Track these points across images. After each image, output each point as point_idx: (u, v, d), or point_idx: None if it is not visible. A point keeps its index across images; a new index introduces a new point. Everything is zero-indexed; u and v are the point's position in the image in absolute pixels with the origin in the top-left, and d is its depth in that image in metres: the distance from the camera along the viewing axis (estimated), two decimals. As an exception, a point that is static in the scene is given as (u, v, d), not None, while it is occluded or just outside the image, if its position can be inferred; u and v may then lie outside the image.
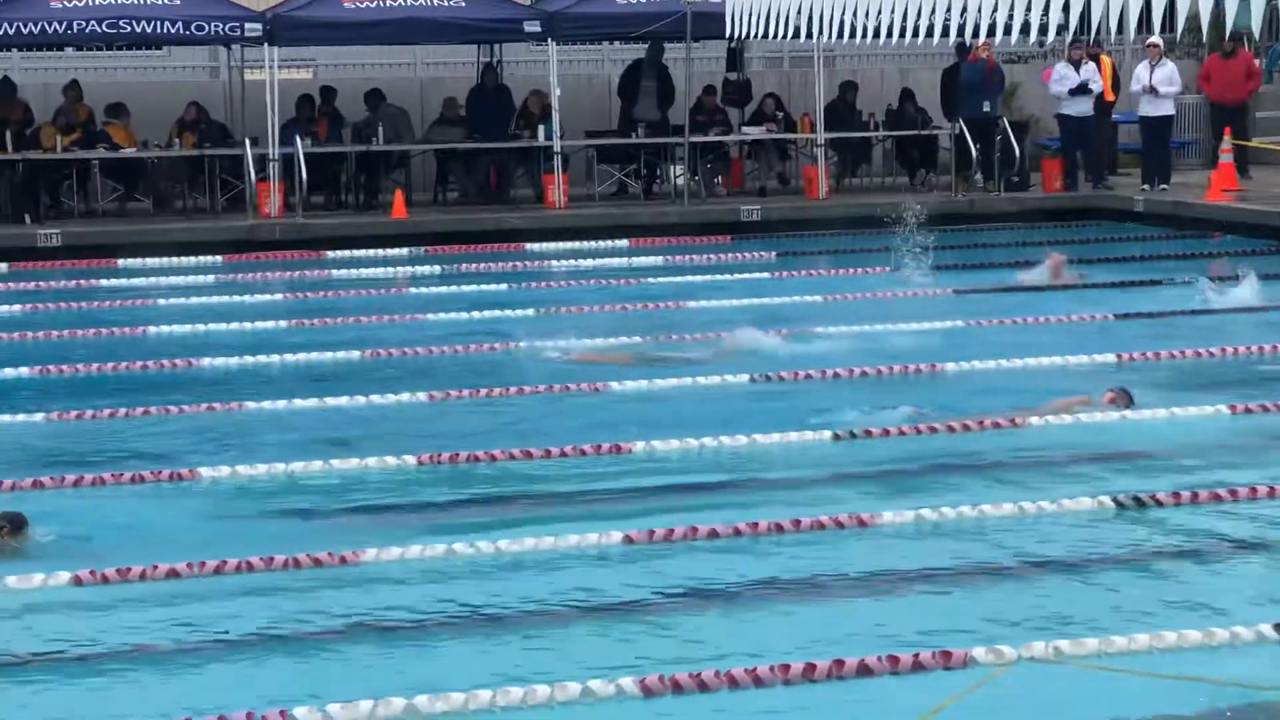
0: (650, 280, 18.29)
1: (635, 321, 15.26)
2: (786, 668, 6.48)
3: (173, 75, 26.73)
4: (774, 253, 20.17)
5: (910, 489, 9.45)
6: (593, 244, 20.88)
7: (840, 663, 6.51)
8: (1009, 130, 23.37)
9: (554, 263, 20.10)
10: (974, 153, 23.21)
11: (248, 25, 22.08)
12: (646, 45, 24.35)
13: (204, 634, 7.21)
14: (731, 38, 21.72)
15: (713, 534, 8.46)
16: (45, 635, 7.23)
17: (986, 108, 23.17)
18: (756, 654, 6.70)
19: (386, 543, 8.28)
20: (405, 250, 20.49)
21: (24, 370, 13.14)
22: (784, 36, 17.27)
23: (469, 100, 24.25)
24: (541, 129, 23.16)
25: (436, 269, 19.48)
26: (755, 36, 18.29)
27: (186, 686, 6.64)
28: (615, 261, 20.01)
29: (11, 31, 21.61)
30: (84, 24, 21.64)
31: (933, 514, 8.75)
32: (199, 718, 6.08)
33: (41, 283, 18.49)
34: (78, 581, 7.77)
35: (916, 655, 6.60)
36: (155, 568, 7.89)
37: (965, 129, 23.11)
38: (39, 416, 11.39)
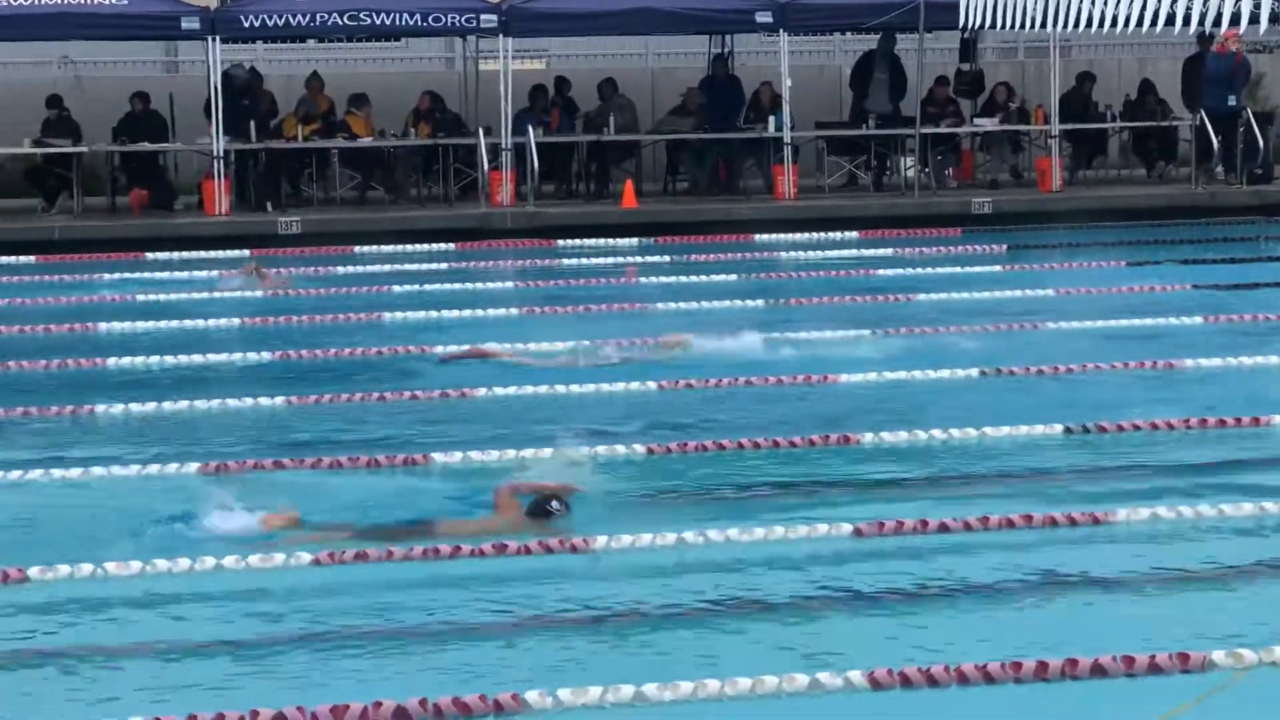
0: (879, 272, 18.16)
1: (864, 313, 15.17)
2: (1018, 665, 6.38)
3: (410, 66, 27.18)
4: (1005, 246, 19.89)
5: (1145, 487, 9.26)
6: (822, 235, 20.79)
7: (1074, 662, 6.40)
8: (1253, 121, 22.76)
9: (783, 254, 20.06)
10: (1215, 145, 22.65)
11: (483, 17, 22.38)
12: (878, 36, 24.17)
13: (452, 616, 7.33)
14: (965, 28, 21.47)
15: (943, 528, 8.37)
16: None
17: (1232, 101, 22.59)
18: (986, 651, 6.62)
19: (617, 530, 8.33)
20: (634, 240, 20.60)
21: (265, 354, 13.46)
22: (1019, 26, 17.03)
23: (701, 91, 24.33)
24: (772, 120, 23.12)
25: (665, 259, 19.56)
26: (989, 26, 18.07)
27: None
28: (844, 253, 19.91)
29: (257, 24, 22.16)
30: (326, 17, 22.12)
31: (1169, 513, 8.56)
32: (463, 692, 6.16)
33: (281, 269, 18.92)
34: (316, 563, 7.93)
35: (1153, 657, 6.45)
36: (412, 550, 8.03)
37: (1207, 120, 22.55)
38: (279, 400, 11.65)
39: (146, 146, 22.95)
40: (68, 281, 18.08)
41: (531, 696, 6.15)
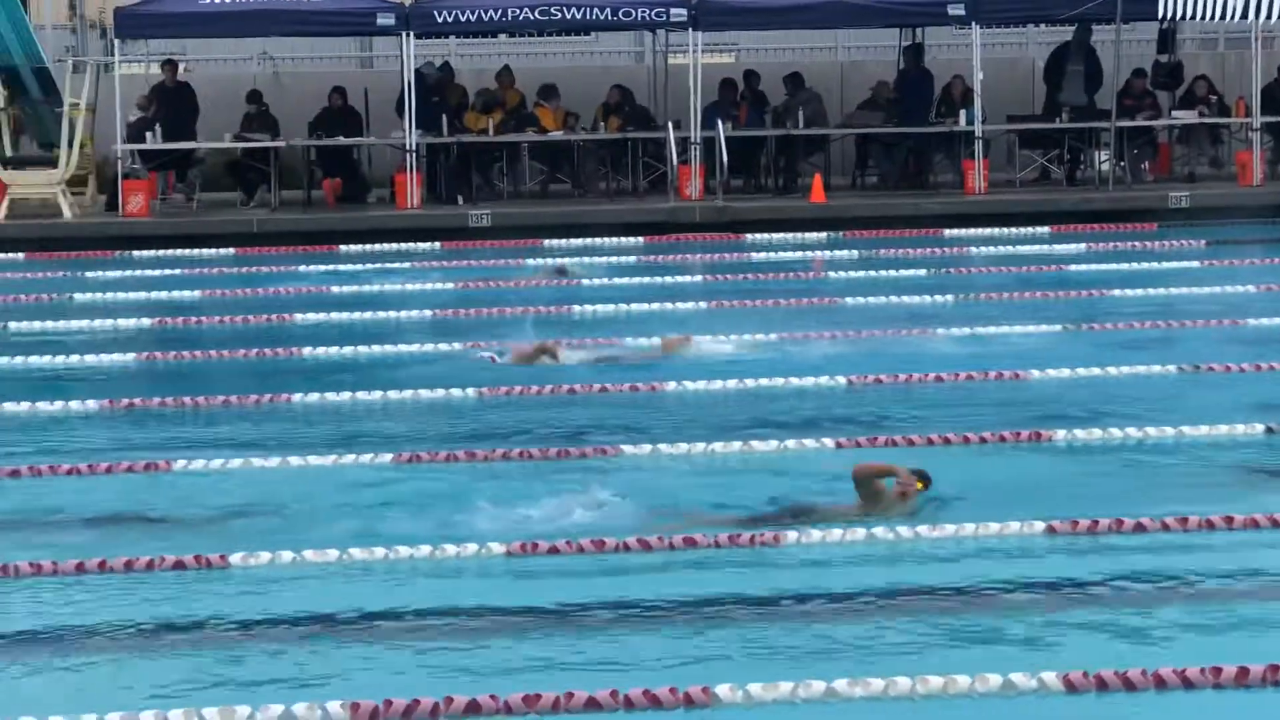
0: (1072, 268, 17.91)
1: (1056, 309, 14.96)
2: (1218, 670, 6.25)
3: (600, 60, 27.31)
4: (1203, 241, 19.49)
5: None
6: (1013, 230, 20.54)
7: (1276, 668, 6.25)
8: None
9: (973, 249, 19.85)
10: None
11: (673, 11, 22.42)
12: (1073, 28, 23.79)
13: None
14: (1164, 19, 21.09)
15: (1139, 528, 8.22)
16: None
17: None
18: (1176, 654, 6.49)
19: (807, 526, 8.30)
20: (823, 234, 20.52)
21: (456, 345, 13.62)
22: (1219, 17, 16.70)
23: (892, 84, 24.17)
24: (963, 114, 22.88)
25: (854, 253, 19.46)
26: (1188, 17, 17.73)
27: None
28: (1036, 249, 19.65)
29: (450, 20, 22.42)
30: (518, 11, 22.31)
31: (1375, 516, 8.34)
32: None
33: (472, 261, 19.13)
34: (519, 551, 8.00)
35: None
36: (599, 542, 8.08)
37: None
38: (471, 391, 11.76)
39: (342, 141, 23.33)
40: (265, 273, 18.44)
41: (722, 690, 6.15)
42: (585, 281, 17.40)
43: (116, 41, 23.03)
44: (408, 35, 22.22)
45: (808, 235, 20.48)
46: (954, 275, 17.56)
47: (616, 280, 17.46)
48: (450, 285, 17.26)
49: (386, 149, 23.80)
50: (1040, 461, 9.86)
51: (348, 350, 13.41)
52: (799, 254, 19.53)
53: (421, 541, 8.01)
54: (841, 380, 11.93)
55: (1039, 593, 7.49)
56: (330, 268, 18.88)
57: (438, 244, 20.48)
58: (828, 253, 19.66)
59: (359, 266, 19.04)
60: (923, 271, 17.72)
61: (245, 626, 7.13)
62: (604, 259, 19.16)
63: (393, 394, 11.64)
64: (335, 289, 17.03)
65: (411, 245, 20.27)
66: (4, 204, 21.67)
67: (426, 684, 6.29)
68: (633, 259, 19.35)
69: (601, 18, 22.57)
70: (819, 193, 22.13)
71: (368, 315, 15.28)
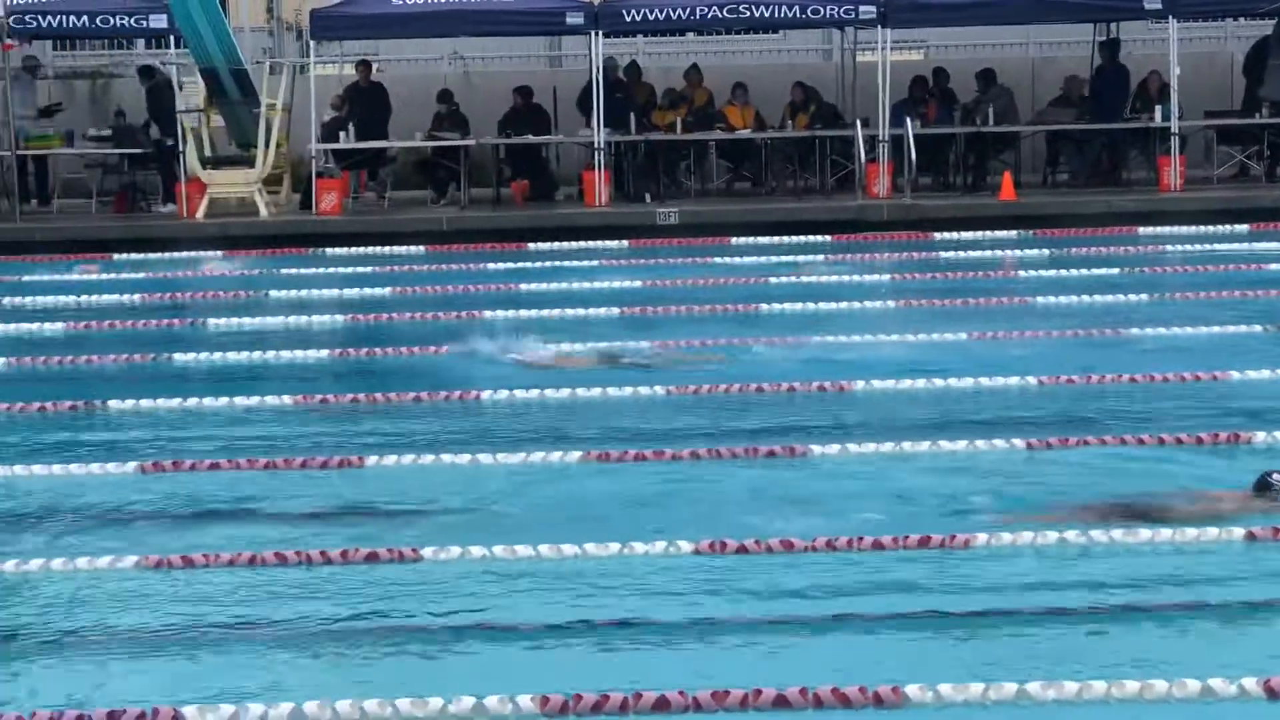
0: (1272, 267, 17.49)
1: (1255, 309, 14.63)
2: None
3: (787, 58, 27.25)
4: None
5: None
6: (1210, 229, 20.12)
7: None
8: None
9: (1168, 247, 19.48)
10: None
11: (862, 8, 22.30)
12: (1275, 21, 23.25)
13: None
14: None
15: (1342, 534, 8.02)
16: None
17: None
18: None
19: (992, 529, 8.20)
20: (1014, 233, 20.27)
21: (644, 343, 13.65)
22: None
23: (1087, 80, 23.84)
24: (1159, 110, 22.47)
25: (1045, 252, 19.19)
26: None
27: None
28: (1234, 247, 19.23)
29: (639, 18, 22.51)
30: (706, 10, 22.34)
31: None
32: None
33: (659, 259, 19.18)
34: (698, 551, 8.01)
35: None
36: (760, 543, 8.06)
37: None
38: (659, 390, 11.76)
39: (530, 139, 23.52)
40: (454, 271, 18.64)
41: (912, 690, 6.10)
42: (773, 280, 17.34)
43: (312, 43, 23.46)
44: (596, 34, 22.35)
45: (997, 233, 20.24)
46: (1148, 274, 17.24)
47: (804, 279, 17.37)
48: (638, 283, 17.31)
49: (575, 147, 23.96)
50: (1238, 465, 9.63)
51: (537, 347, 13.47)
52: (988, 253, 19.30)
53: (611, 540, 8.04)
54: (1032, 380, 11.77)
55: (1220, 601, 7.31)
56: (519, 265, 19.03)
57: (625, 242, 20.56)
58: (1018, 251, 19.42)
59: (547, 264, 19.18)
60: (1116, 270, 17.42)
61: (436, 619, 7.21)
62: (791, 257, 19.09)
63: (580, 391, 11.67)
64: (524, 286, 17.17)
65: (599, 243, 20.37)
66: (203, 203, 22.15)
67: (615, 678, 6.32)
68: (820, 257, 19.25)
69: (790, 15, 22.51)
70: (1009, 190, 21.87)
71: (556, 313, 15.37)
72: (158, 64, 24.31)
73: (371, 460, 9.82)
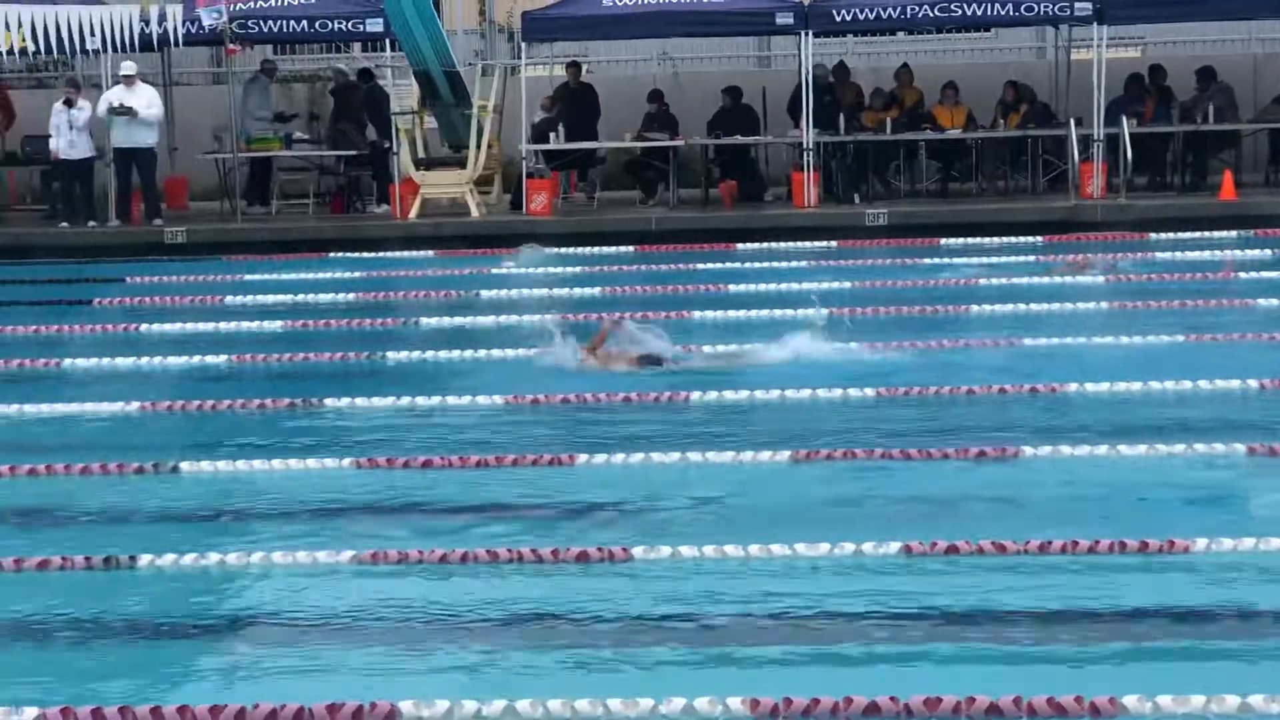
0: None
1: None
2: None
3: (1000, 57, 26.93)
4: None
5: None
6: None
7: None
8: None
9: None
10: None
11: (1078, 5, 21.94)
12: None
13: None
14: None
15: None
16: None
17: None
18: None
19: (1213, 534, 8.02)
20: (1233, 233, 19.80)
21: (852, 344, 13.54)
22: None
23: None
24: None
25: (1267, 253, 18.73)
26: None
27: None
28: None
29: (849, 18, 22.39)
30: (917, 9, 22.14)
31: None
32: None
33: (868, 260, 19.04)
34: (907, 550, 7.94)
35: None
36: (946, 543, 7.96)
37: None
38: (870, 391, 11.66)
39: (739, 140, 23.52)
40: (663, 271, 18.68)
41: (1130, 701, 5.98)
42: (984, 281, 17.12)
43: (523, 44, 23.71)
44: (806, 34, 22.28)
45: (1217, 234, 19.79)
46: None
47: (1016, 280, 17.14)
48: (846, 284, 17.21)
49: (783, 148, 23.91)
50: None
51: (746, 348, 13.46)
52: (1207, 253, 18.88)
53: (821, 540, 8.01)
54: (1253, 384, 11.49)
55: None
56: (727, 265, 19.03)
57: (833, 242, 20.46)
58: (1238, 252, 18.96)
59: (755, 264, 19.15)
60: (1342, 272, 16.97)
61: (645, 619, 7.24)
62: (1003, 258, 18.85)
63: (790, 392, 11.64)
64: (732, 287, 17.16)
65: (807, 244, 20.30)
66: (416, 203, 22.49)
67: (824, 683, 6.29)
68: (1031, 259, 18.97)
69: (1003, 13, 22.23)
70: (1229, 190, 21.38)
71: (764, 313, 15.34)
72: (373, 67, 24.77)
73: (582, 459, 9.89)
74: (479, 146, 22.67)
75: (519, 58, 24.71)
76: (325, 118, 25.11)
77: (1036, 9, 22.14)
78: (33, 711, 6.12)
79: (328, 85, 25.77)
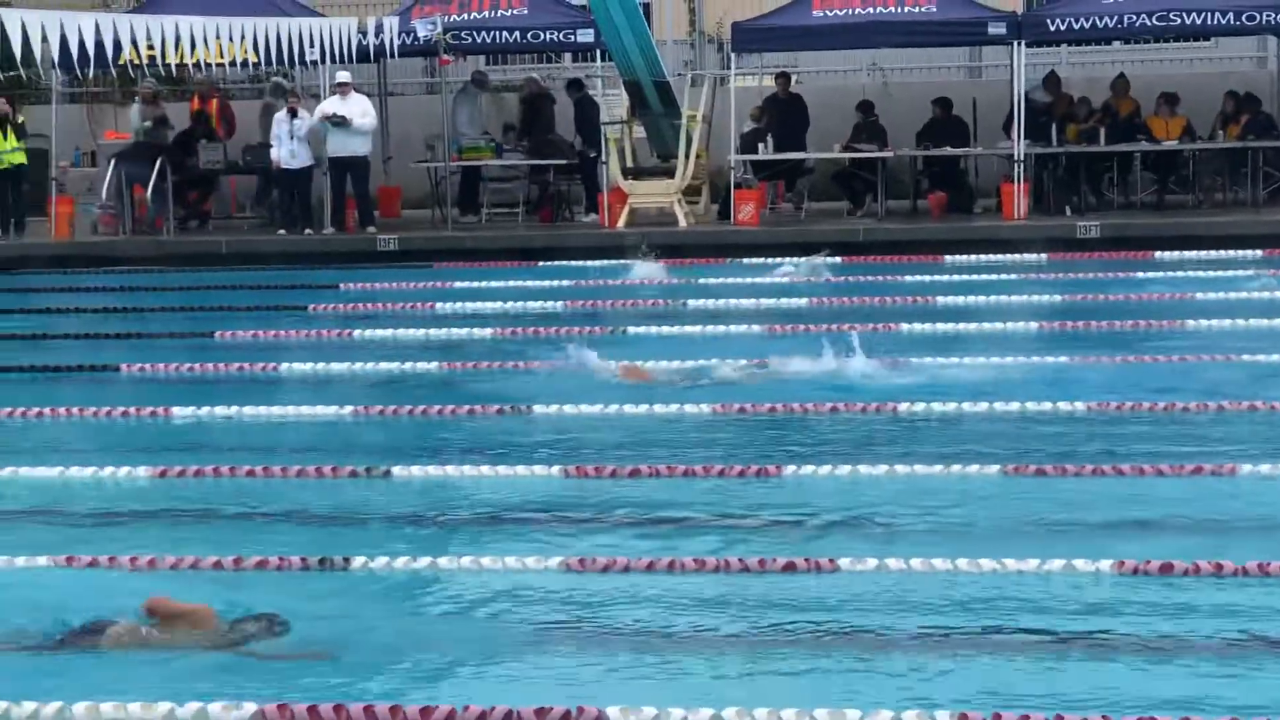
0: None
1: None
2: None
3: (1219, 66, 26.36)
4: None
5: None
6: None
7: None
8: None
9: None
10: None
11: (1301, 14, 21.44)
12: None
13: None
14: None
15: None
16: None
17: None
18: None
19: None
20: None
21: (1064, 358, 13.36)
22: None
23: None
24: None
25: None
26: None
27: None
28: None
29: (1063, 27, 22.09)
30: (1134, 18, 21.76)
31: None
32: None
33: (1079, 273, 18.74)
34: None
35: None
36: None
37: None
38: (1079, 405, 11.48)
39: (949, 151, 23.32)
40: (870, 282, 18.56)
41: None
42: (1199, 295, 16.76)
43: (733, 55, 23.74)
44: (1019, 44, 22.02)
45: None
46: None
47: (1232, 295, 16.75)
48: (1057, 298, 16.97)
49: (993, 159, 23.66)
50: None
51: (953, 360, 13.32)
52: None
53: (1030, 555, 7.92)
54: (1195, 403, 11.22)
55: None
56: (935, 278, 18.85)
57: (1044, 255, 20.19)
58: None
59: (964, 277, 18.95)
60: None
61: (847, 631, 7.22)
62: (1218, 272, 18.44)
63: (998, 405, 11.51)
64: (940, 299, 17.01)
65: (1017, 256, 20.04)
66: (624, 213, 22.63)
67: (1028, 694, 6.21)
68: (1249, 273, 18.53)
69: (1224, 22, 21.79)
70: None
71: (973, 326, 15.18)
72: (583, 77, 24.98)
73: (789, 470, 9.87)
74: (687, 156, 22.74)
75: (728, 68, 24.75)
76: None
77: (1259, 18, 21.66)
78: (251, 707, 6.25)
79: (519, 94, 26.01)
